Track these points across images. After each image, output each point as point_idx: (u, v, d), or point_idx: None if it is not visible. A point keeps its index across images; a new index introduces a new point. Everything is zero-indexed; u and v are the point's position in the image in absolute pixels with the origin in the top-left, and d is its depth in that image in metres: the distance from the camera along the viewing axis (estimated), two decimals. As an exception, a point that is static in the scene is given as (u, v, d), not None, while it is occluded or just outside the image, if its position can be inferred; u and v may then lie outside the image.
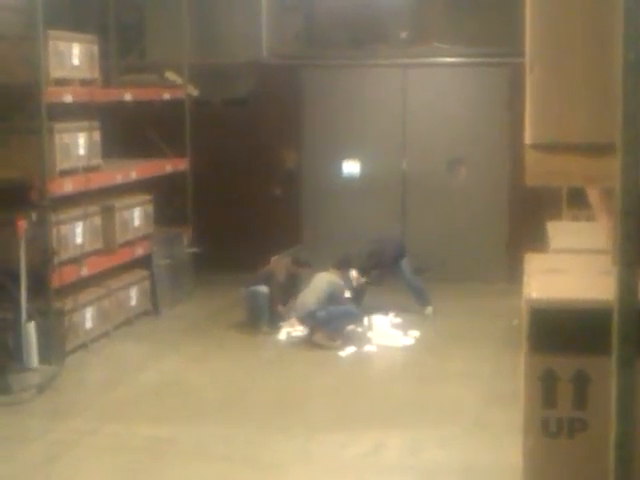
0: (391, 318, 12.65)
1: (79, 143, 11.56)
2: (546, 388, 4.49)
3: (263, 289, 12.46)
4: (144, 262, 13.30)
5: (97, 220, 12.07)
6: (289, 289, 12.79)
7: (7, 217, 10.51)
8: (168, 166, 14.09)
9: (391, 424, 9.05)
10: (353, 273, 12.78)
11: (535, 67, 3.89)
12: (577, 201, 10.01)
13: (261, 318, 12.39)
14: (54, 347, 10.78)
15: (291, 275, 12.97)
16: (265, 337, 12.16)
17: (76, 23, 12.80)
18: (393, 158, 15.35)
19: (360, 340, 11.88)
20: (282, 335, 12.24)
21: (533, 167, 3.90)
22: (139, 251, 13.06)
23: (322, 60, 15.38)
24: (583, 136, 3.86)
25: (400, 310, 12.87)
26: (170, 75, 14.64)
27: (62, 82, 11.30)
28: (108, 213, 12.30)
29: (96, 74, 12.18)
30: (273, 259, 12.98)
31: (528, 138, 3.93)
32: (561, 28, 3.86)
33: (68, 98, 11.29)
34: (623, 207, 3.68)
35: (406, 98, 15.24)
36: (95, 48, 12.15)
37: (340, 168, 15.56)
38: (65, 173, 11.22)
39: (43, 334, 10.64)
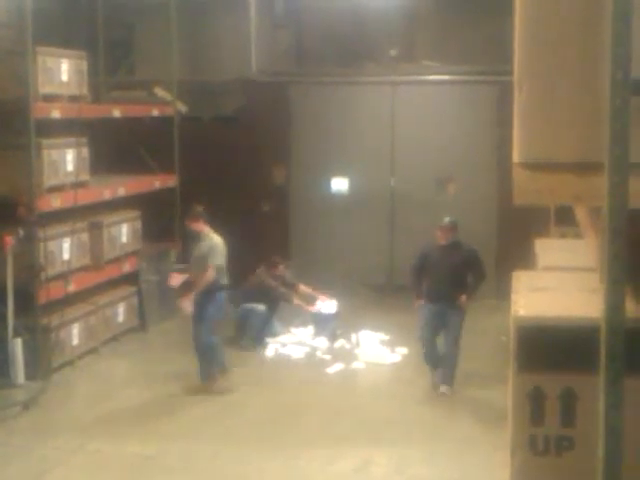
0: (379, 335, 12.63)
1: (67, 159, 11.54)
2: (534, 406, 4.49)
3: (260, 307, 12.51)
4: (132, 278, 13.27)
5: (85, 236, 12.05)
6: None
7: (-6, 233, 10.47)
8: (156, 182, 14.08)
9: (378, 441, 9.04)
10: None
11: (523, 86, 3.90)
12: (565, 219, 10.04)
13: (247, 334, 12.41)
14: (40, 363, 10.73)
15: (276, 277, 12.94)
16: (252, 353, 12.13)
17: (65, 39, 12.79)
18: (382, 175, 15.38)
19: (348, 357, 11.86)
20: (270, 351, 12.21)
21: (521, 185, 3.91)
22: (127, 267, 13.03)
23: (311, 77, 15.42)
24: (571, 155, 3.87)
25: (388, 327, 12.85)
26: (159, 92, 14.65)
27: (50, 98, 11.30)
28: (96, 229, 12.28)
29: (85, 90, 12.18)
30: (258, 270, 12.99)
31: (516, 156, 3.94)
32: (549, 47, 3.88)
33: (56, 114, 11.28)
34: (611, 225, 3.69)
35: (395, 115, 15.29)
36: (84, 64, 12.16)
37: (329, 185, 15.59)
38: (53, 189, 11.20)
39: (30, 350, 10.59)
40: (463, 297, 10.24)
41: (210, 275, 10.39)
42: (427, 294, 10.38)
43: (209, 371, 10.61)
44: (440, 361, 10.47)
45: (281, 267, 13.07)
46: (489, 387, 10.13)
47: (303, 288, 13.13)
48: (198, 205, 11.25)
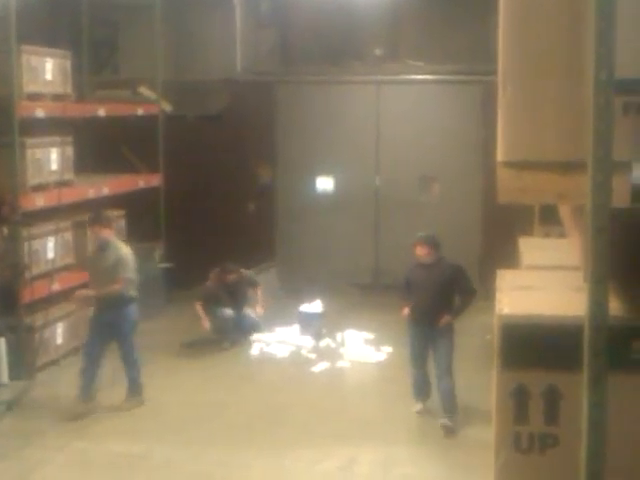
0: (364, 334, 12.64)
1: (51, 158, 11.51)
2: (517, 404, 4.51)
3: (227, 311, 12.47)
4: (116, 277, 13.21)
5: (69, 235, 12.01)
6: (230, 296, 12.78)
7: (-22, 232, 10.44)
8: (141, 182, 14.05)
9: (364, 440, 9.04)
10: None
11: (507, 85, 3.92)
12: (549, 218, 10.08)
13: (226, 337, 12.39)
14: (25, 363, 10.70)
15: (222, 285, 12.83)
16: (238, 352, 12.13)
17: (49, 38, 12.75)
18: (367, 174, 15.40)
19: (333, 356, 11.88)
20: (254, 350, 12.22)
21: (505, 184, 3.93)
22: (111, 266, 12.97)
23: (296, 76, 15.42)
24: (555, 154, 3.89)
25: (373, 326, 12.87)
26: (144, 91, 14.62)
27: (35, 97, 11.26)
28: (80, 228, 12.24)
29: (69, 89, 12.14)
30: (211, 274, 12.90)
31: (500, 155, 3.96)
32: (533, 47, 3.90)
33: (41, 113, 11.24)
34: (594, 224, 3.72)
35: (380, 115, 15.31)
36: (68, 63, 12.13)
37: (314, 184, 15.59)
38: (37, 188, 11.16)
39: (13, 350, 10.56)
40: (446, 318, 9.34)
41: (118, 288, 9.72)
42: (412, 316, 9.51)
43: (137, 386, 10.15)
44: (432, 391, 9.65)
45: (232, 276, 12.80)
46: (474, 385, 10.16)
47: (259, 293, 13.01)
48: (106, 210, 10.76)
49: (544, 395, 4.46)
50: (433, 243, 9.55)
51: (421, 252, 9.49)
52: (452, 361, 9.43)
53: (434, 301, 9.35)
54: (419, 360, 9.62)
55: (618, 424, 4.18)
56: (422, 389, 9.74)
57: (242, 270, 13.06)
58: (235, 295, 12.79)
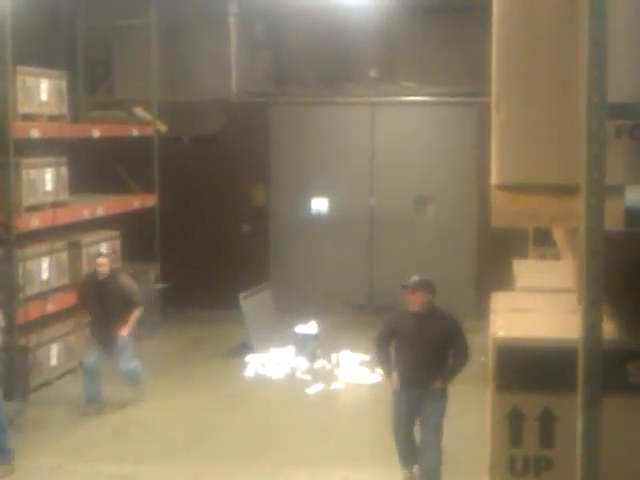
0: (358, 355, 12.62)
1: (46, 179, 11.50)
2: (512, 427, 4.50)
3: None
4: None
5: (63, 256, 11.99)
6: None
7: (-28, 252, 10.42)
8: (136, 202, 14.05)
9: (358, 461, 9.01)
10: None
11: (501, 108, 3.93)
12: (544, 240, 10.09)
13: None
14: (18, 383, 10.64)
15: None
16: (232, 373, 12.10)
17: (44, 59, 12.78)
18: (361, 195, 15.42)
19: (328, 377, 11.85)
20: (249, 371, 12.18)
21: (499, 207, 3.94)
22: (106, 287, 12.95)
23: (291, 98, 15.46)
24: (548, 177, 3.90)
25: (368, 347, 12.84)
26: (139, 111, 14.64)
27: (30, 117, 11.27)
28: (74, 249, 12.22)
29: (64, 110, 12.16)
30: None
31: (494, 178, 3.97)
32: (526, 70, 3.91)
33: (36, 133, 11.25)
34: (588, 247, 3.72)
35: (374, 136, 15.34)
36: (63, 84, 12.14)
37: (308, 205, 15.60)
38: (32, 208, 11.16)
39: (7, 370, 10.49)
40: (437, 382, 7.86)
41: None
42: (400, 379, 7.97)
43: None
44: (418, 456, 8.13)
45: (103, 268, 10.62)
46: (469, 407, 10.12)
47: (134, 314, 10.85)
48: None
49: (539, 418, 4.46)
50: (429, 289, 7.96)
51: (414, 300, 7.87)
52: (442, 433, 7.97)
53: (426, 360, 7.81)
54: (404, 430, 8.10)
55: (614, 447, 4.17)
56: (408, 459, 8.23)
57: (119, 267, 11.18)
58: (104, 299, 10.68)
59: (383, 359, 8.18)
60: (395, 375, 7.96)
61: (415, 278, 8.00)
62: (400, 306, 8.25)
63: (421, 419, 8.00)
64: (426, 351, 7.81)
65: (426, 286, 7.95)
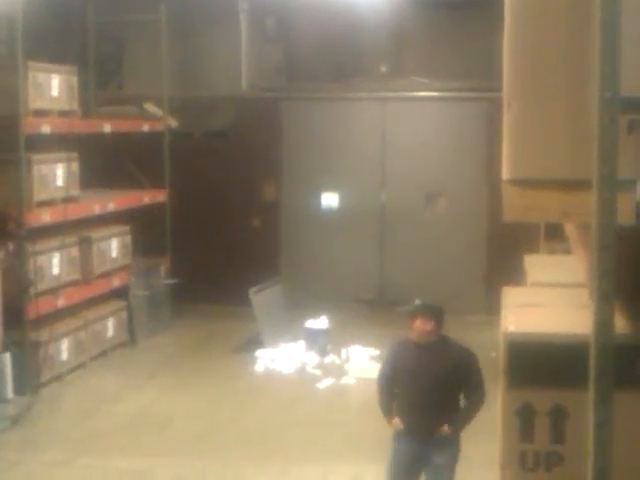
0: (369, 350, 12.62)
1: (57, 174, 11.53)
2: (523, 422, 4.50)
3: None
4: (121, 293, 13.24)
5: (74, 251, 12.02)
6: None
7: (-16, 247, 10.45)
8: (146, 197, 14.07)
9: (368, 456, 9.00)
10: None
11: (512, 103, 3.92)
12: (555, 234, 10.06)
13: None
14: (29, 378, 10.69)
15: None
16: (242, 368, 12.11)
17: (55, 54, 12.80)
18: (372, 190, 15.40)
19: (338, 372, 11.85)
20: (259, 366, 12.20)
21: (510, 203, 3.92)
22: (116, 282, 13.00)
23: (302, 93, 15.44)
24: (560, 172, 3.89)
25: (378, 342, 12.84)
26: (149, 107, 14.65)
27: (41, 113, 11.29)
28: (85, 244, 12.25)
29: (75, 105, 12.17)
30: None
31: (505, 174, 3.96)
32: (538, 65, 3.90)
33: (47, 129, 11.27)
34: (599, 242, 3.71)
35: (385, 131, 15.32)
36: (74, 79, 12.16)
37: (319, 200, 15.59)
38: (43, 204, 11.18)
39: (18, 365, 10.55)
40: (445, 428, 6.54)
41: None
42: (401, 424, 6.72)
43: None
44: None
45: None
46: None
47: None
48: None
49: (550, 413, 4.45)
50: (437, 316, 6.64)
51: (421, 328, 6.56)
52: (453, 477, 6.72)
53: (432, 401, 6.50)
54: None
55: (624, 442, 4.16)
56: None
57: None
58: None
59: (383, 400, 6.89)
60: (397, 420, 6.68)
61: (418, 301, 6.66)
62: (404, 337, 6.82)
63: (426, 475, 6.71)
64: (432, 391, 6.47)
65: (432, 311, 6.60)
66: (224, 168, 15.26)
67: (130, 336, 13.32)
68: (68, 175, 11.70)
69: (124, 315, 13.22)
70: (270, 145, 15.43)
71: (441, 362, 6.54)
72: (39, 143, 11.33)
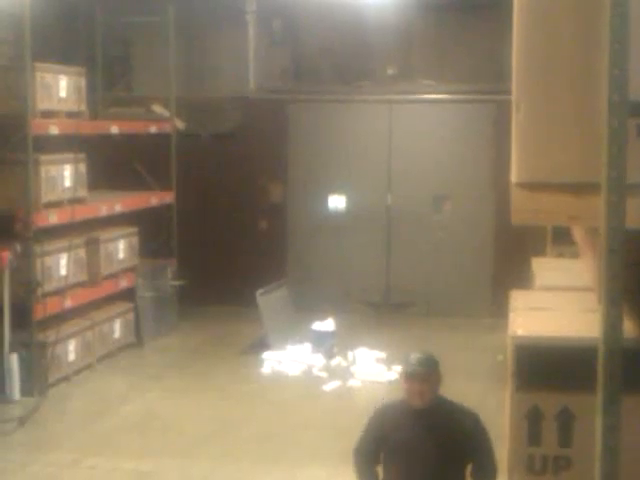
0: (375, 353, 12.61)
1: (65, 175, 11.55)
2: (531, 425, 4.49)
3: None
4: (128, 294, 13.26)
5: (82, 252, 12.04)
6: None
7: (-9, 248, 10.47)
8: (154, 199, 14.09)
9: (375, 460, 9.00)
10: None
11: (521, 106, 3.92)
12: (562, 238, 10.05)
13: None
14: (36, 379, 10.71)
15: None
16: (249, 370, 12.12)
17: (63, 55, 12.83)
18: (379, 193, 15.40)
19: (344, 374, 11.85)
20: (266, 368, 12.20)
21: (519, 205, 3.92)
22: (123, 283, 13.02)
23: (309, 95, 15.45)
24: (568, 175, 3.88)
25: (384, 345, 12.84)
26: (157, 108, 14.68)
27: (48, 114, 11.31)
28: (93, 245, 12.27)
29: (83, 106, 12.19)
30: None
31: (514, 177, 3.95)
32: (547, 68, 3.89)
33: (54, 130, 11.29)
34: (608, 246, 3.70)
35: (392, 134, 15.31)
36: (82, 80, 12.18)
37: (326, 202, 15.59)
38: (50, 205, 11.21)
39: (26, 366, 10.57)
40: None
41: None
42: None
43: None
44: None
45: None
46: (486, 406, 10.10)
47: None
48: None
49: (558, 417, 4.44)
50: (433, 373, 5.25)
51: (415, 392, 5.21)
52: None
53: (433, 478, 5.19)
54: None
55: (632, 447, 4.15)
56: None
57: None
58: None
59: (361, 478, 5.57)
60: None
61: (415, 356, 5.25)
62: (395, 399, 5.58)
63: None
64: (433, 467, 5.15)
65: (429, 369, 5.21)
66: (231, 170, 15.27)
67: (137, 337, 13.34)
68: (76, 176, 11.72)
69: (131, 316, 13.24)
70: (277, 147, 15.44)
71: (442, 431, 5.21)
72: (47, 144, 11.35)
